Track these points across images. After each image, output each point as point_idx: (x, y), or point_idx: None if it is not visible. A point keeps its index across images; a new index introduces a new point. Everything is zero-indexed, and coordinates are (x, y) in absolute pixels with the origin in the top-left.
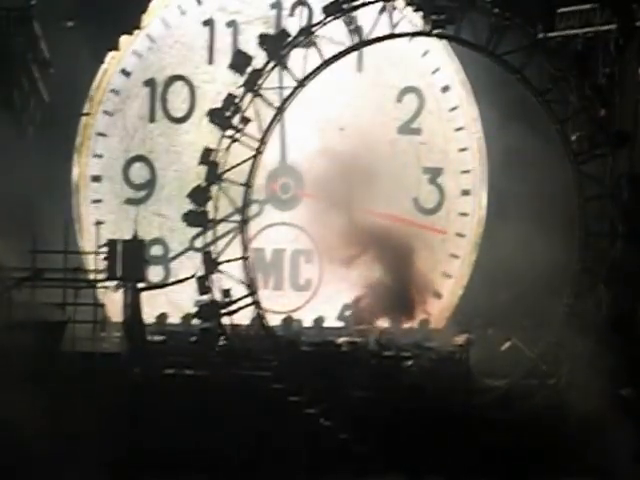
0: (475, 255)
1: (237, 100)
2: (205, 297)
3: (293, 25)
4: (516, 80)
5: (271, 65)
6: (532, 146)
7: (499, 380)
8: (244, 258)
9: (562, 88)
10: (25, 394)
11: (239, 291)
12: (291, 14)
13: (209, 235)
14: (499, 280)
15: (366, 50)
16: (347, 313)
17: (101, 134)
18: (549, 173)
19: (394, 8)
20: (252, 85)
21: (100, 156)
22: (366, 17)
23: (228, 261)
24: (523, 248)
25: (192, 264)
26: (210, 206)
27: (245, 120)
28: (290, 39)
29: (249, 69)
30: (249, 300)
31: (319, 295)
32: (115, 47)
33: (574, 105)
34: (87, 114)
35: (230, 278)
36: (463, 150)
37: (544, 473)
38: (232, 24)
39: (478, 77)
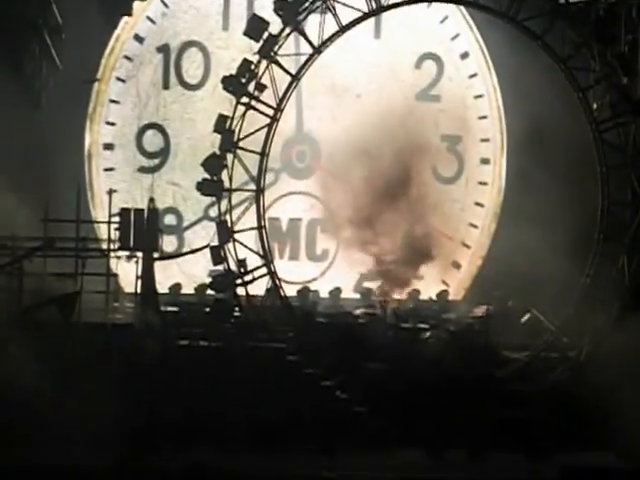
0: (494, 225)
1: (252, 67)
2: (219, 267)
3: None
4: (537, 47)
5: (287, 31)
6: (553, 114)
7: (519, 352)
8: (259, 228)
9: (584, 55)
10: (38, 366)
11: (254, 261)
12: None
13: (223, 204)
14: (519, 250)
15: (384, 16)
16: (364, 284)
17: (114, 101)
18: (570, 142)
19: None
20: (268, 51)
21: (113, 123)
22: None
23: (243, 230)
24: (543, 217)
25: (206, 234)
26: (225, 175)
27: (260, 87)
28: (306, 5)
29: (265, 35)
30: (264, 270)
31: (336, 266)
32: (128, 12)
33: (596, 73)
34: (100, 80)
35: (245, 248)
36: (482, 118)
37: (564, 447)
38: None
39: (498, 44)
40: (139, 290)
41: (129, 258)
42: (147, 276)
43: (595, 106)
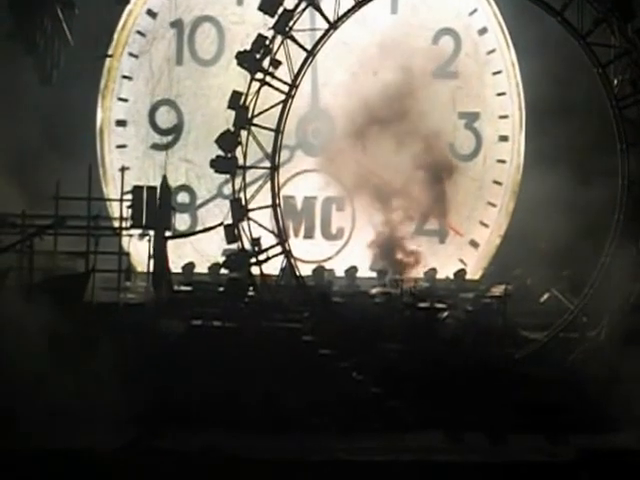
0: (513, 203)
1: (267, 42)
2: (233, 246)
3: None
4: (556, 22)
5: (303, 6)
6: (572, 91)
7: (538, 333)
8: (274, 206)
9: (604, 31)
10: (48, 346)
11: (269, 240)
12: None
13: (238, 182)
14: (538, 229)
15: None
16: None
17: (126, 77)
18: (589, 118)
19: None
20: (283, 26)
21: (125, 100)
22: None
23: (257, 209)
24: (562, 196)
25: (220, 212)
26: (239, 152)
27: (275, 63)
28: None
29: (280, 10)
30: (279, 249)
31: (351, 244)
32: None
33: (616, 48)
34: (112, 56)
35: (259, 226)
36: (501, 94)
37: (583, 429)
38: None
39: (516, 19)
40: (149, 269)
41: (141, 236)
42: (159, 255)
43: (615, 82)
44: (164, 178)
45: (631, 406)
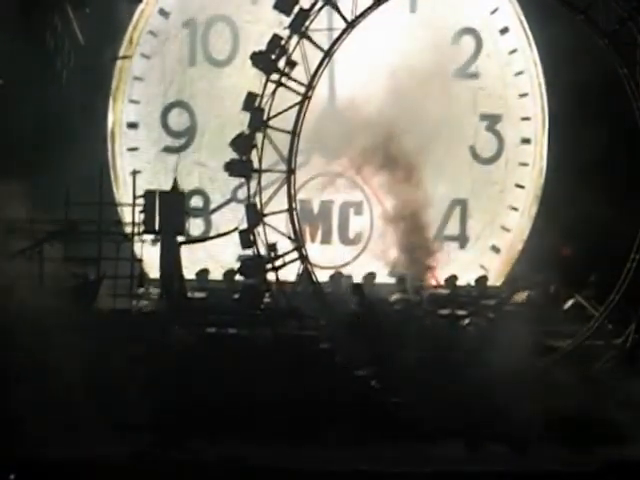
0: (535, 208)
1: (283, 42)
2: (249, 252)
3: None
4: (580, 21)
5: (319, 5)
6: (597, 92)
7: (562, 340)
8: (290, 210)
9: (629, 29)
10: (60, 353)
11: (285, 245)
12: None
13: (253, 185)
14: (561, 234)
15: None
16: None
17: (138, 78)
18: (615, 121)
19: None
20: (299, 26)
21: (137, 102)
22: None
23: (273, 213)
24: (586, 200)
25: (234, 216)
26: (254, 155)
27: (291, 63)
28: None
29: (296, 9)
30: (295, 255)
31: (370, 250)
32: None
33: None
34: (123, 57)
35: (275, 231)
36: (523, 96)
37: (609, 440)
38: None
39: (539, 18)
40: (162, 275)
41: (154, 242)
42: (172, 261)
43: None
44: (175, 181)
45: None
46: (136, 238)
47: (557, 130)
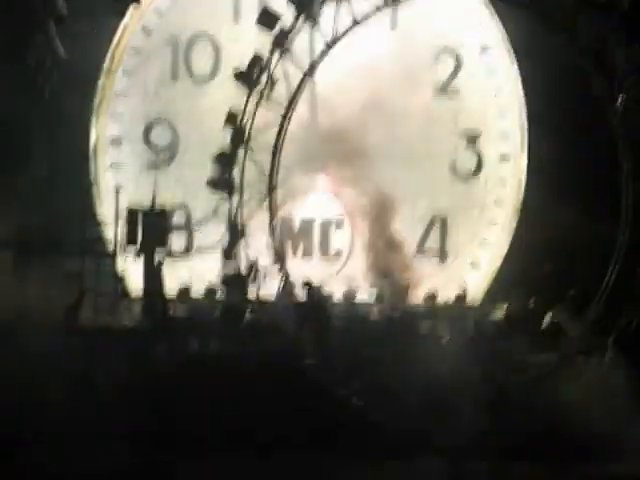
0: (515, 223)
1: (264, 60)
2: (230, 268)
3: None
4: (561, 40)
5: (300, 23)
6: (576, 109)
7: (540, 357)
8: (271, 226)
9: (609, 48)
10: (42, 370)
11: (266, 261)
12: None
13: (234, 202)
14: (540, 249)
15: (400, 8)
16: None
17: (121, 94)
18: (594, 137)
19: None
20: (280, 45)
21: (120, 118)
22: None
23: (254, 230)
24: (565, 216)
25: (216, 233)
26: (235, 172)
27: (272, 81)
28: None
29: (277, 28)
30: (276, 271)
31: (350, 265)
32: (136, 1)
33: (622, 66)
34: (106, 73)
35: (256, 248)
36: (502, 113)
37: (590, 457)
38: None
39: (519, 36)
40: (144, 292)
41: (136, 258)
42: (154, 278)
43: (620, 100)
44: (154, 198)
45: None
46: (119, 254)
47: (536, 146)
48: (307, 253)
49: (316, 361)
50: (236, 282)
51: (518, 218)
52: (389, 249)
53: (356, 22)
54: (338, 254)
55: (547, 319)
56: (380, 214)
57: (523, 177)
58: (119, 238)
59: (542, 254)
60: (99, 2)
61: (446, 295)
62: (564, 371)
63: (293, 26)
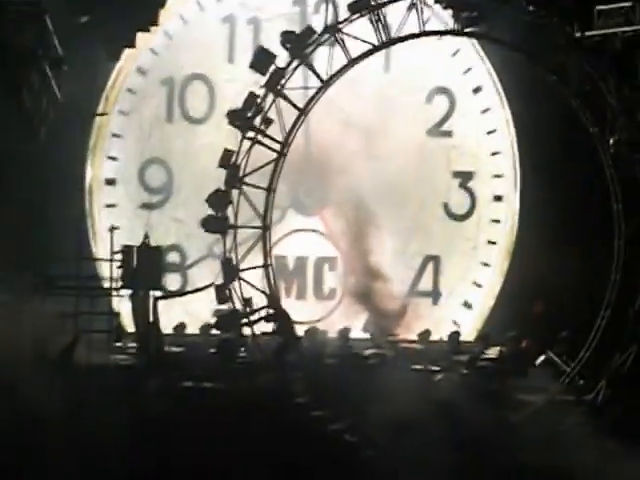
0: (507, 264)
1: (258, 100)
2: (224, 306)
3: (317, 22)
4: (552, 81)
5: (295, 64)
6: (568, 150)
7: (534, 395)
8: (265, 266)
9: (600, 90)
10: (37, 407)
11: (260, 300)
12: (316, 11)
13: (229, 241)
14: (533, 290)
15: (394, 49)
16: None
17: (116, 135)
18: (586, 178)
19: (423, 5)
20: (274, 85)
21: (115, 158)
22: (394, 14)
23: (249, 269)
24: (558, 256)
25: (211, 272)
26: (230, 211)
27: (267, 121)
28: (314, 37)
29: (271, 68)
30: (270, 310)
31: (344, 305)
32: (131, 44)
33: (613, 108)
34: (102, 114)
35: (251, 287)
36: (495, 154)
37: None
38: (253, 21)
39: (511, 78)
40: (140, 330)
41: (131, 297)
42: (149, 316)
43: (612, 141)
44: (146, 236)
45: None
46: (114, 293)
47: (529, 187)
48: (301, 292)
49: (309, 398)
50: (230, 320)
51: (510, 258)
52: (380, 287)
53: (349, 63)
54: (332, 293)
55: (541, 359)
56: (371, 252)
57: (516, 217)
58: (114, 276)
59: (534, 294)
60: (95, 44)
61: (439, 335)
62: (554, 411)
63: (287, 66)
